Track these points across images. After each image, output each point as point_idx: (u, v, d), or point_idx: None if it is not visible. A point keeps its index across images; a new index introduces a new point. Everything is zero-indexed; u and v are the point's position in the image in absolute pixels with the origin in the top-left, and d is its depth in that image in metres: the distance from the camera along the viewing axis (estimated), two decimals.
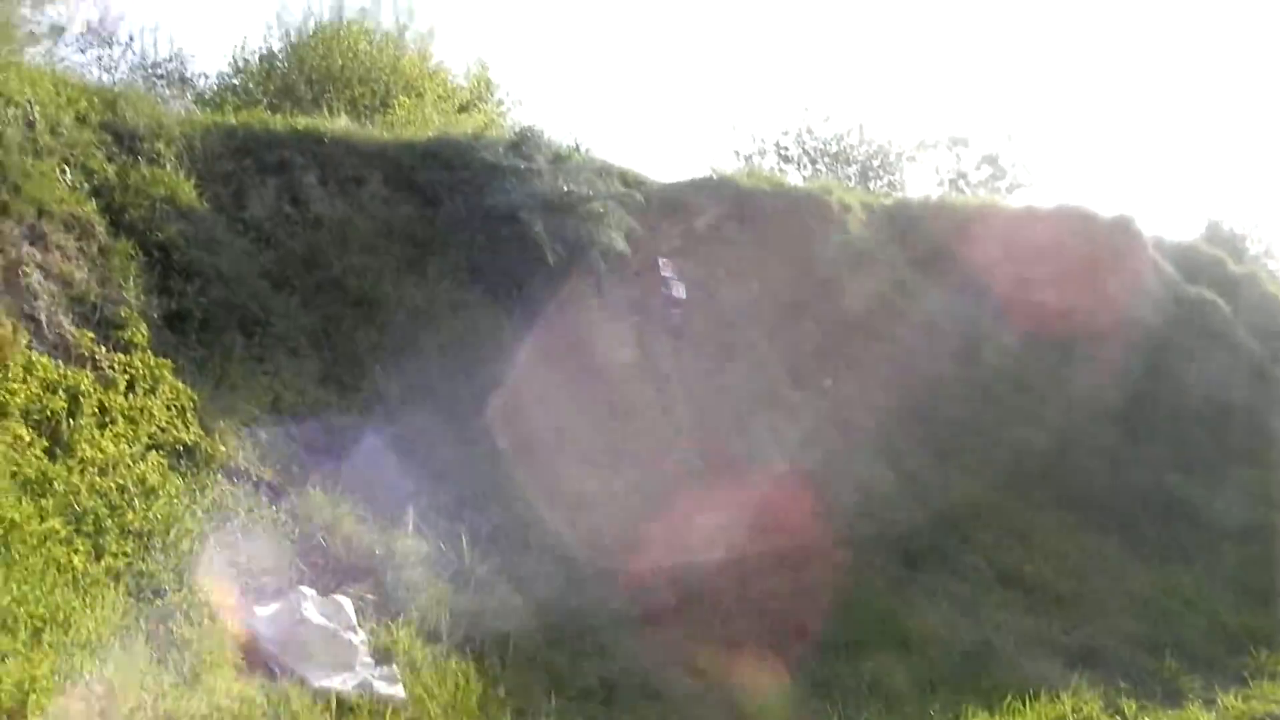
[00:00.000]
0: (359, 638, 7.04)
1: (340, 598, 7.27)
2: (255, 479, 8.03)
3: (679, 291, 13.59)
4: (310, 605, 7.02)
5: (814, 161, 30.56)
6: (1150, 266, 20.12)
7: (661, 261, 13.56)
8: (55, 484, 6.69)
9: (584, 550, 9.42)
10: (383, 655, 7.14)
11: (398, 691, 6.79)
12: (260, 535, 7.55)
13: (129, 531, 6.80)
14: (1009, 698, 8.43)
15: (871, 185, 28.58)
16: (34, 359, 7.29)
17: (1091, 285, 18.00)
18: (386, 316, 10.51)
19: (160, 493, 7.20)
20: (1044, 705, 8.49)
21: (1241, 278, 23.10)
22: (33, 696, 5.17)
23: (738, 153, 31.67)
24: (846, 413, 13.41)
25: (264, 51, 18.70)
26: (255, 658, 6.69)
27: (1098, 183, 56.86)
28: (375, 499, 8.44)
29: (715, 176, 18.85)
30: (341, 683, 6.71)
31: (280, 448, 8.49)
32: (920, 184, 32.51)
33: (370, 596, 7.57)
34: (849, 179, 28.59)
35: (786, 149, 31.22)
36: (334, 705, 6.41)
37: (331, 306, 10.22)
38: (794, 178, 26.56)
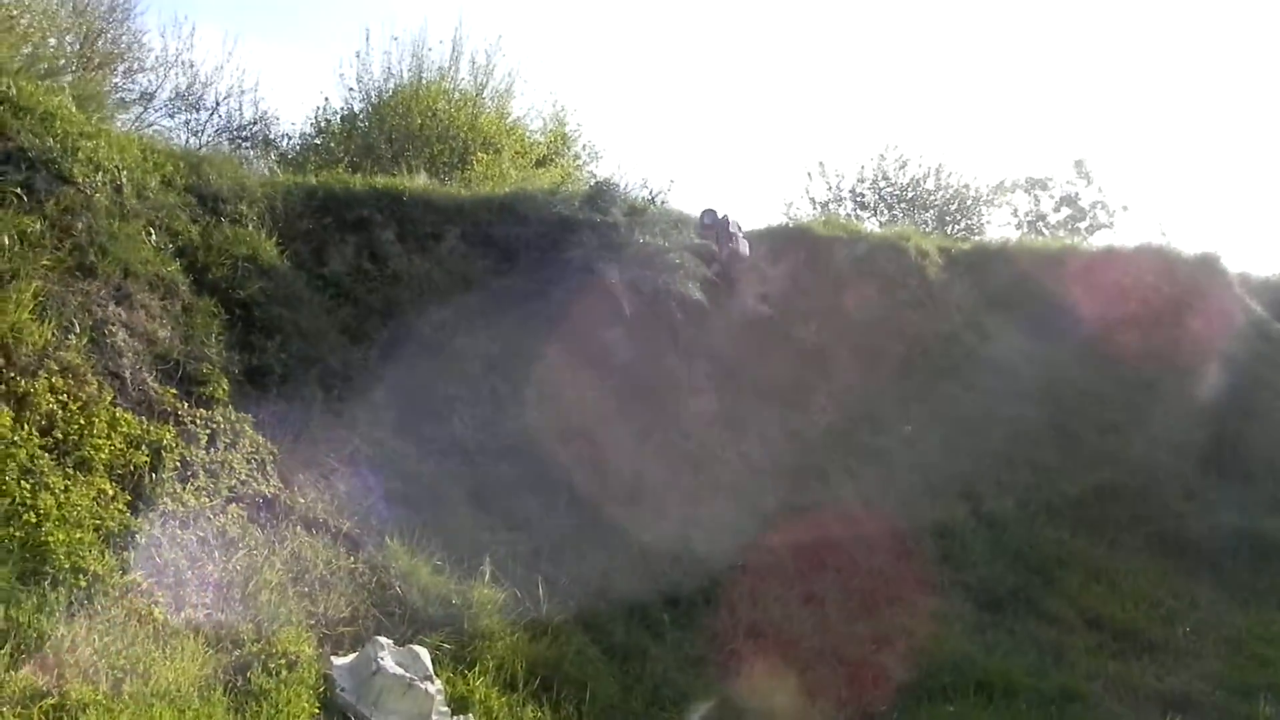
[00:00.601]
0: (435, 687, 7.05)
1: (416, 647, 7.30)
2: (334, 530, 8.11)
3: (744, 248, 13.84)
4: (387, 654, 7.05)
5: (890, 208, 30.58)
6: (1237, 303, 19.81)
7: (726, 218, 13.70)
8: (137, 536, 6.81)
9: (660, 599, 9.40)
10: (459, 704, 7.15)
11: None
12: (338, 585, 7.61)
13: (209, 583, 6.91)
14: None
15: (949, 230, 28.51)
16: (118, 415, 7.44)
17: (1176, 324, 17.79)
18: (463, 367, 10.62)
19: (240, 544, 7.32)
20: None
21: None
22: None
23: (814, 200, 31.79)
24: (926, 457, 13.28)
25: (345, 112, 19.09)
26: (333, 708, 6.72)
27: (1183, 220, 56.02)
28: (453, 549, 8.50)
29: (791, 224, 18.95)
30: None
31: (358, 499, 8.58)
32: (998, 227, 32.38)
33: (447, 645, 7.58)
34: (926, 224, 28.54)
35: (863, 195, 31.32)
36: None
37: (409, 359, 10.34)
38: (870, 224, 26.62)
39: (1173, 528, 13.87)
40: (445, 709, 7.06)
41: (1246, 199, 62.85)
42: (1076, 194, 33.69)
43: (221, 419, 8.16)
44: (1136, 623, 11.42)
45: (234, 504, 7.66)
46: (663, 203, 15.25)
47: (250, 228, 10.21)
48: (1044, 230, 32.49)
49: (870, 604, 10.45)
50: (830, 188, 31.88)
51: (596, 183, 15.09)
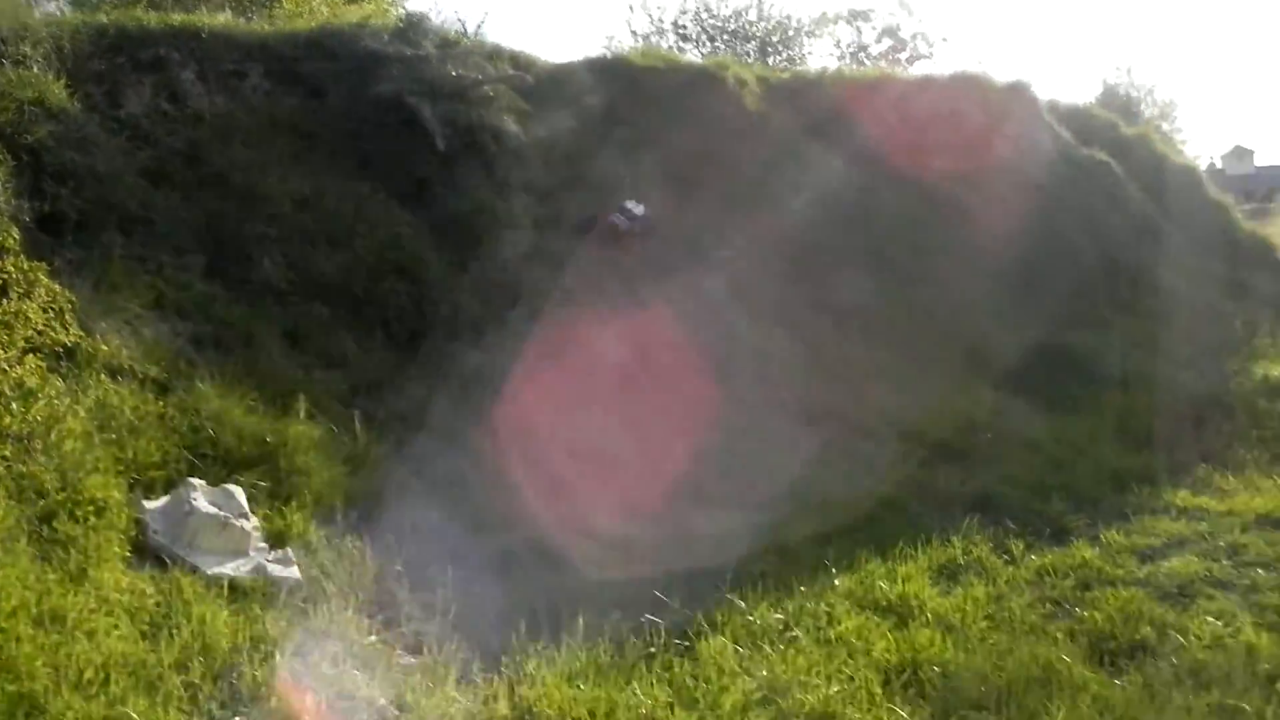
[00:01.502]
0: (251, 524, 7.07)
1: (231, 487, 7.28)
2: (140, 376, 7.97)
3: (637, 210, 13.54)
4: (200, 495, 7.03)
5: (712, 39, 30.51)
6: (1045, 130, 20.41)
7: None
8: None
9: (480, 428, 9.53)
10: (277, 539, 7.18)
11: (293, 573, 6.85)
12: (147, 431, 7.52)
13: (8, 435, 6.76)
14: (901, 544, 8.66)
15: (770, 61, 28.57)
16: None
17: (987, 150, 18.25)
18: (273, 209, 10.41)
19: (40, 395, 7.14)
20: (935, 550, 8.72)
21: (1134, 140, 23.61)
22: None
23: (635, 33, 31.52)
24: (745, 282, 13.54)
25: None
26: (146, 551, 6.70)
27: (998, 51, 57.10)
28: (267, 389, 8.43)
29: (609, 55, 18.78)
30: (234, 569, 6.75)
31: (166, 343, 8.44)
32: (821, 59, 32.57)
33: (263, 484, 7.57)
34: (748, 56, 28.55)
35: (684, 27, 31.18)
36: (227, 590, 6.46)
37: (215, 202, 10.09)
38: (693, 56, 26.52)
39: (980, 344, 14.49)
40: (263, 545, 7.09)
41: (1059, 28, 64.21)
42: (898, 25, 34.16)
43: (13, 269, 7.88)
44: (944, 433, 11.97)
45: (31, 354, 7.44)
46: (476, 35, 14.88)
47: (35, 70, 9.73)
48: (865, 61, 32.88)
49: (686, 425, 10.75)
50: (652, 20, 31.68)
51: (407, 15, 14.72)
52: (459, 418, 9.48)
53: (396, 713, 5.21)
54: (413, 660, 5.93)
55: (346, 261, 10.44)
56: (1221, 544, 9.34)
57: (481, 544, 7.81)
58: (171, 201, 9.81)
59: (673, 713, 5.51)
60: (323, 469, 7.83)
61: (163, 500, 7.08)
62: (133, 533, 6.64)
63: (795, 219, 15.20)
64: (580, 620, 6.36)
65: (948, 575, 8.25)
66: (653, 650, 6.22)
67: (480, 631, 6.35)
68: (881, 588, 7.63)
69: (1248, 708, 5.99)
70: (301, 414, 8.28)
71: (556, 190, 13.26)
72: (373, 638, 5.92)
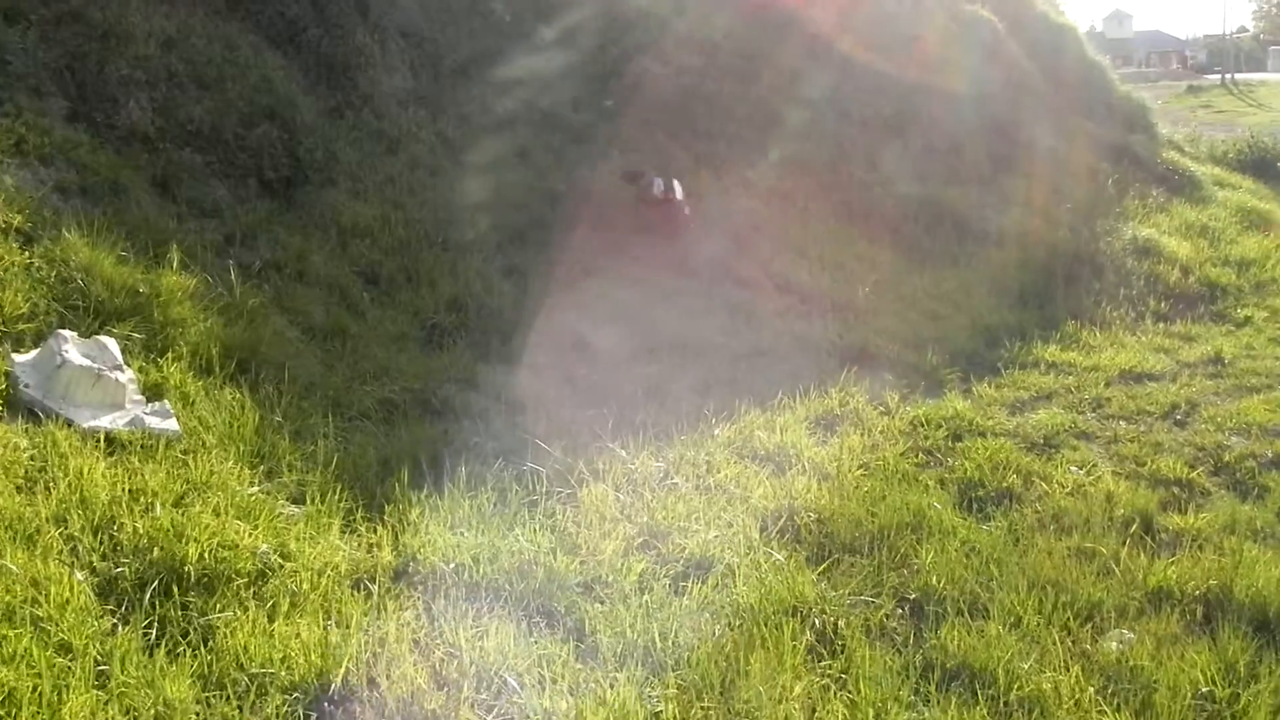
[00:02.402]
0: (126, 376, 6.91)
1: (104, 338, 7.08)
2: (2, 226, 7.68)
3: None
4: (71, 347, 6.84)
5: None
6: None
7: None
8: None
9: (360, 279, 9.42)
10: (153, 392, 7.03)
11: (171, 425, 6.74)
12: (12, 283, 7.26)
13: None
14: (780, 395, 8.81)
15: None
16: None
17: (869, 3, 18.20)
18: (137, 50, 9.94)
19: None
20: (813, 400, 8.89)
21: None
22: None
23: None
24: (626, 131, 13.44)
25: None
26: (17, 404, 6.53)
27: None
28: (138, 239, 8.16)
29: None
30: (111, 421, 6.61)
31: (29, 192, 8.11)
32: None
33: (137, 335, 7.38)
34: None
35: None
36: (104, 443, 6.34)
37: (75, 41, 9.61)
38: None
39: (858, 197, 14.62)
40: (139, 397, 6.94)
41: None
42: None
43: None
44: (822, 285, 12.13)
45: None
46: None
47: None
48: None
49: (571, 275, 10.73)
50: None
51: None
52: (337, 267, 9.34)
53: (280, 561, 5.20)
54: (296, 510, 5.90)
55: (217, 106, 10.07)
56: (1086, 397, 9.72)
57: (363, 394, 7.75)
58: (28, 41, 9.31)
59: (555, 558, 5.59)
60: (198, 320, 7.64)
61: (33, 353, 6.88)
62: (2, 386, 6.47)
63: (677, 70, 15.06)
64: (463, 469, 6.38)
65: (825, 425, 8.43)
66: (535, 498, 6.28)
67: (363, 481, 6.33)
68: (760, 437, 7.78)
69: (1104, 550, 6.29)
70: (174, 264, 8.04)
71: (433, 34, 12.92)
72: (254, 489, 5.86)
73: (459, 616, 4.96)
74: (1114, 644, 5.31)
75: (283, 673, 4.39)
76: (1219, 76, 76.81)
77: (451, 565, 5.40)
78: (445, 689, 4.49)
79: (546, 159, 12.35)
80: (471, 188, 11.25)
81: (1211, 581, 5.91)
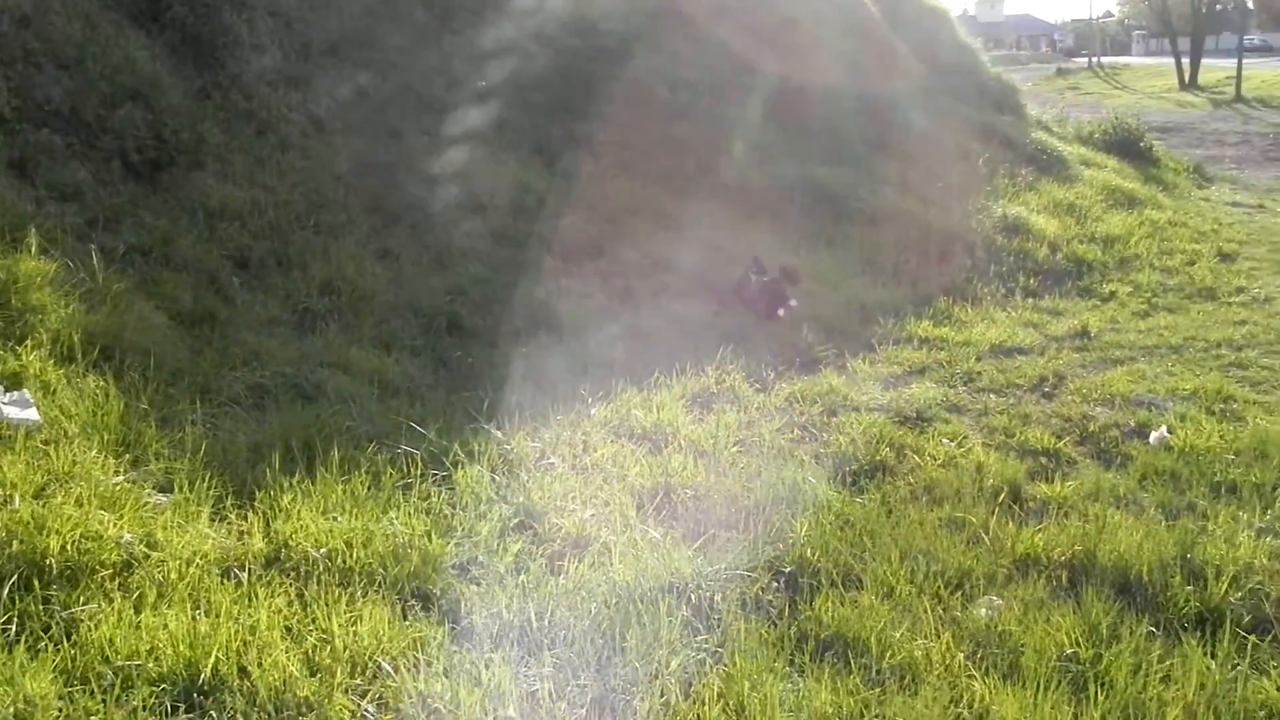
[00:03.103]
0: None
1: None
2: None
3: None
4: None
5: None
6: None
7: None
8: None
9: (230, 262, 9.21)
10: (12, 381, 6.80)
11: (31, 415, 6.53)
12: None
13: None
14: (656, 374, 8.83)
15: None
16: None
17: None
18: None
19: None
20: (690, 379, 8.92)
21: None
22: None
23: None
24: (499, 112, 13.34)
25: None
26: None
27: None
28: None
29: None
30: None
31: None
32: None
33: None
34: None
35: None
36: None
37: None
38: None
39: (735, 177, 14.71)
40: None
41: None
42: None
43: None
44: (698, 265, 12.18)
45: None
46: None
47: None
48: None
49: (444, 258, 10.64)
50: None
51: None
52: (206, 251, 9.12)
53: (147, 551, 5.07)
54: (163, 499, 5.75)
55: (77, 86, 9.75)
56: (958, 371, 9.92)
57: (232, 379, 7.59)
58: None
59: (430, 541, 5.53)
60: (59, 306, 7.40)
61: None
62: None
63: (555, 51, 15.01)
64: (336, 453, 6.28)
65: (701, 404, 8.47)
66: (409, 481, 6.21)
67: (234, 467, 6.19)
68: (637, 416, 7.78)
69: (974, 520, 6.43)
70: (33, 249, 7.79)
71: (303, 13, 12.66)
72: (119, 478, 5.69)
73: (332, 602, 4.88)
74: (983, 610, 5.42)
75: (150, 665, 4.27)
76: (1086, 60, 78.84)
77: (324, 550, 5.31)
78: (318, 675, 4.41)
79: (420, 140, 12.20)
80: (344, 169, 11.07)
81: (1076, 547, 6.06)
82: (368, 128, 11.84)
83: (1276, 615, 5.47)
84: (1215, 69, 54.96)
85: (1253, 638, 5.22)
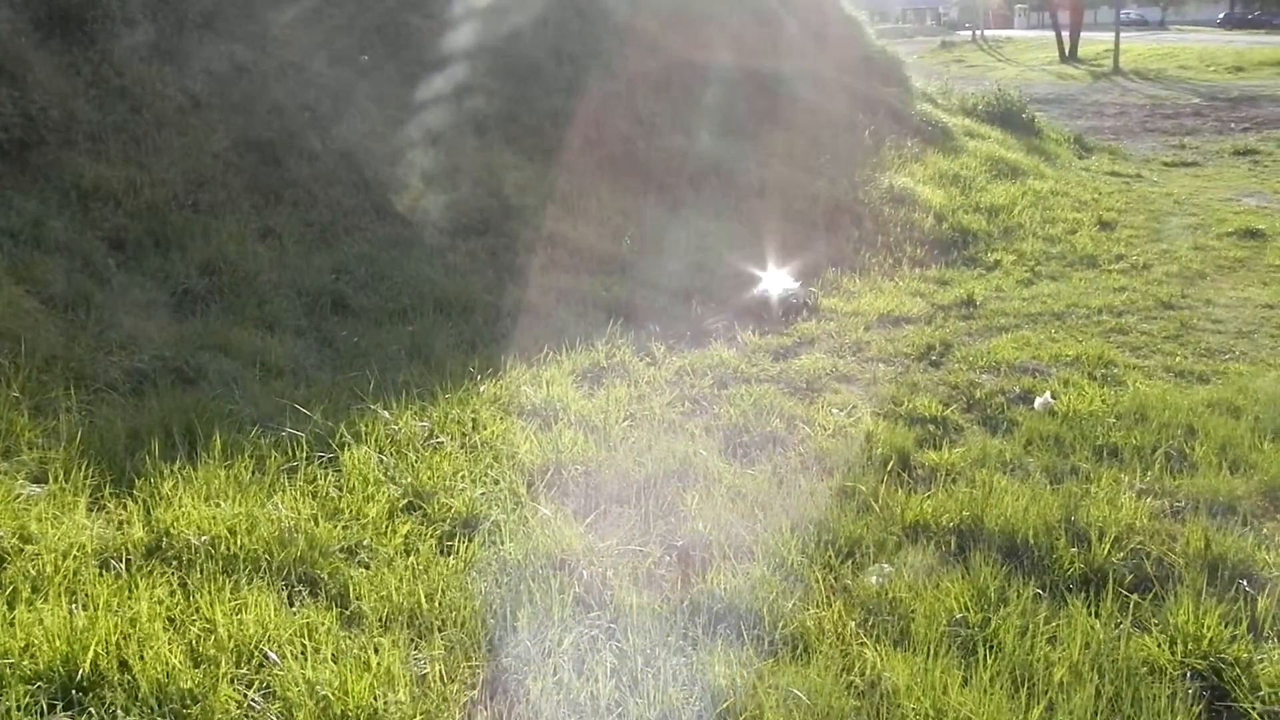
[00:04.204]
0: None
1: None
2: None
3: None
4: None
5: None
6: None
7: None
8: None
9: (105, 244, 8.94)
10: None
11: None
12: None
13: None
14: (546, 350, 8.77)
15: None
16: None
17: None
18: None
19: None
20: (580, 355, 8.88)
21: None
22: None
23: None
24: (383, 88, 13.13)
25: None
26: None
27: None
28: None
29: None
30: None
31: None
32: None
33: None
34: None
35: None
36: None
37: None
38: None
39: (624, 151, 14.68)
40: None
41: None
42: None
43: None
44: (587, 239, 12.13)
45: None
46: None
47: None
48: None
49: (329, 236, 10.45)
50: None
51: None
52: (79, 233, 8.84)
53: (20, 544, 4.91)
54: (37, 489, 5.57)
55: None
56: (847, 341, 10.01)
57: (109, 364, 7.37)
58: None
59: (316, 524, 5.44)
60: None
61: None
62: None
63: (440, 25, 14.81)
64: (218, 438, 6.14)
65: (591, 379, 8.42)
66: (295, 464, 6.09)
67: (111, 455, 6.01)
68: (527, 393, 7.72)
69: (864, 489, 6.47)
70: None
71: None
72: None
73: (216, 590, 4.77)
74: (874, 578, 5.46)
75: (25, 662, 4.13)
76: (970, 33, 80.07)
77: (207, 538, 5.19)
78: (202, 666, 4.31)
79: (301, 116, 11.93)
80: (222, 147, 10.78)
81: (964, 513, 6.14)
82: (247, 104, 11.54)
83: (1157, 574, 5.59)
84: (1094, 42, 56.15)
85: (1135, 596, 5.32)
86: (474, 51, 14.55)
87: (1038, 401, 8.37)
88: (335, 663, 4.37)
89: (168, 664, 4.25)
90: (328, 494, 5.88)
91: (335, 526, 5.50)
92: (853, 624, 5.00)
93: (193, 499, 5.53)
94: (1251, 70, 39.73)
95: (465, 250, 11.09)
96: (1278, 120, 28.06)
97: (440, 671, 4.42)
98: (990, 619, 5.03)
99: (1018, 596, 5.22)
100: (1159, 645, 4.90)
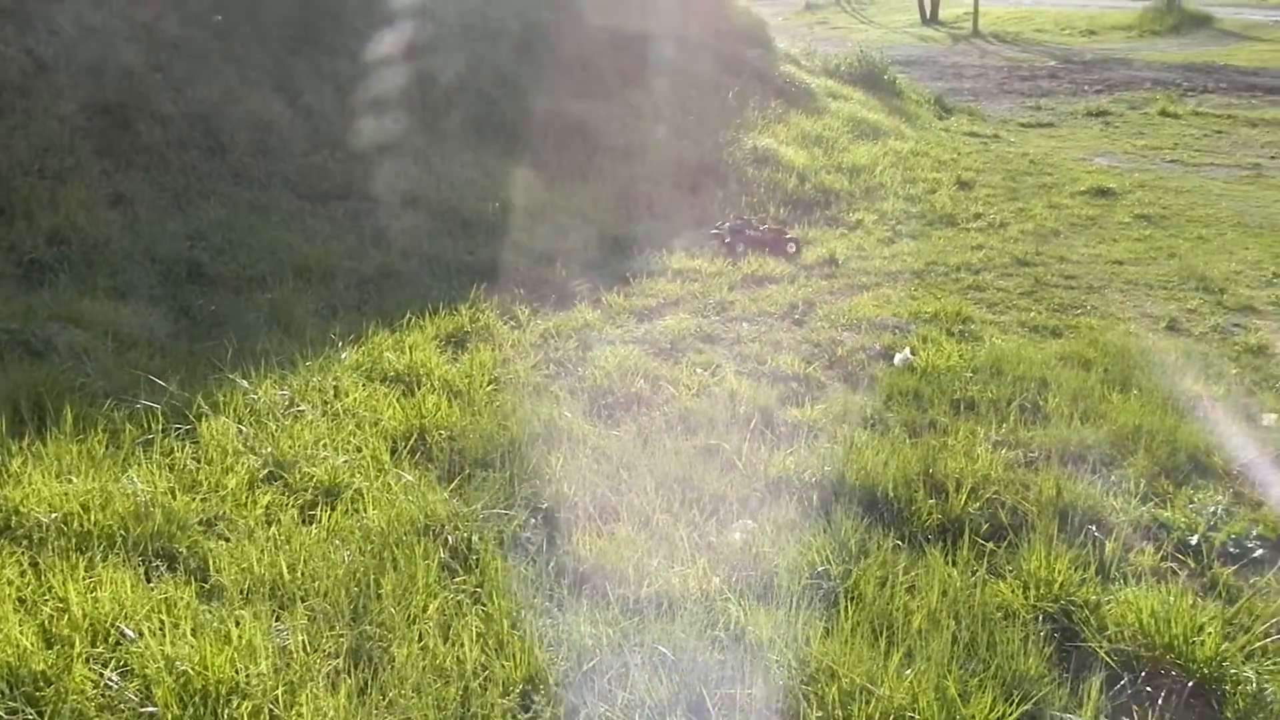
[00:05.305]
0: None
1: None
2: None
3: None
4: None
5: None
6: None
7: None
8: None
9: None
10: None
11: None
12: None
13: None
14: (409, 315, 8.68)
15: None
16: None
17: None
18: None
19: None
20: (443, 319, 8.80)
21: None
22: None
23: None
24: (238, 49, 12.81)
25: None
26: None
27: None
28: None
29: None
30: None
31: None
32: None
33: None
34: None
35: None
36: None
37: None
38: None
39: (487, 112, 14.56)
40: None
41: None
42: None
43: None
44: (451, 202, 11.99)
45: None
46: None
47: None
48: None
49: (183, 202, 10.19)
50: None
51: None
52: None
53: None
54: None
55: None
56: (711, 302, 10.07)
57: None
58: None
59: (174, 498, 5.33)
60: None
61: None
62: None
63: None
64: (69, 411, 5.97)
65: (455, 343, 8.37)
66: (150, 437, 5.95)
67: None
68: (389, 359, 7.64)
69: (727, 446, 6.54)
70: None
71: None
72: None
73: (69, 569, 4.66)
74: (738, 534, 5.53)
75: None
76: None
77: (59, 515, 5.06)
78: (56, 647, 4.21)
79: (153, 78, 11.57)
80: (69, 110, 10.43)
81: (826, 468, 6.24)
82: (97, 67, 11.16)
83: (1011, 522, 5.77)
84: (954, 5, 57.00)
85: (990, 545, 5.49)
86: (333, 10, 14.27)
87: (897, 358, 8.54)
88: (195, 637, 4.30)
89: (19, 646, 4.15)
90: (185, 466, 5.77)
91: (193, 499, 5.40)
92: (717, 580, 5.06)
93: (43, 475, 5.39)
94: (1104, 34, 40.70)
95: (326, 215, 10.90)
96: (1128, 83, 28.80)
97: (303, 642, 4.38)
98: (851, 571, 5.14)
99: (878, 548, 5.34)
100: (1013, 591, 5.06)
